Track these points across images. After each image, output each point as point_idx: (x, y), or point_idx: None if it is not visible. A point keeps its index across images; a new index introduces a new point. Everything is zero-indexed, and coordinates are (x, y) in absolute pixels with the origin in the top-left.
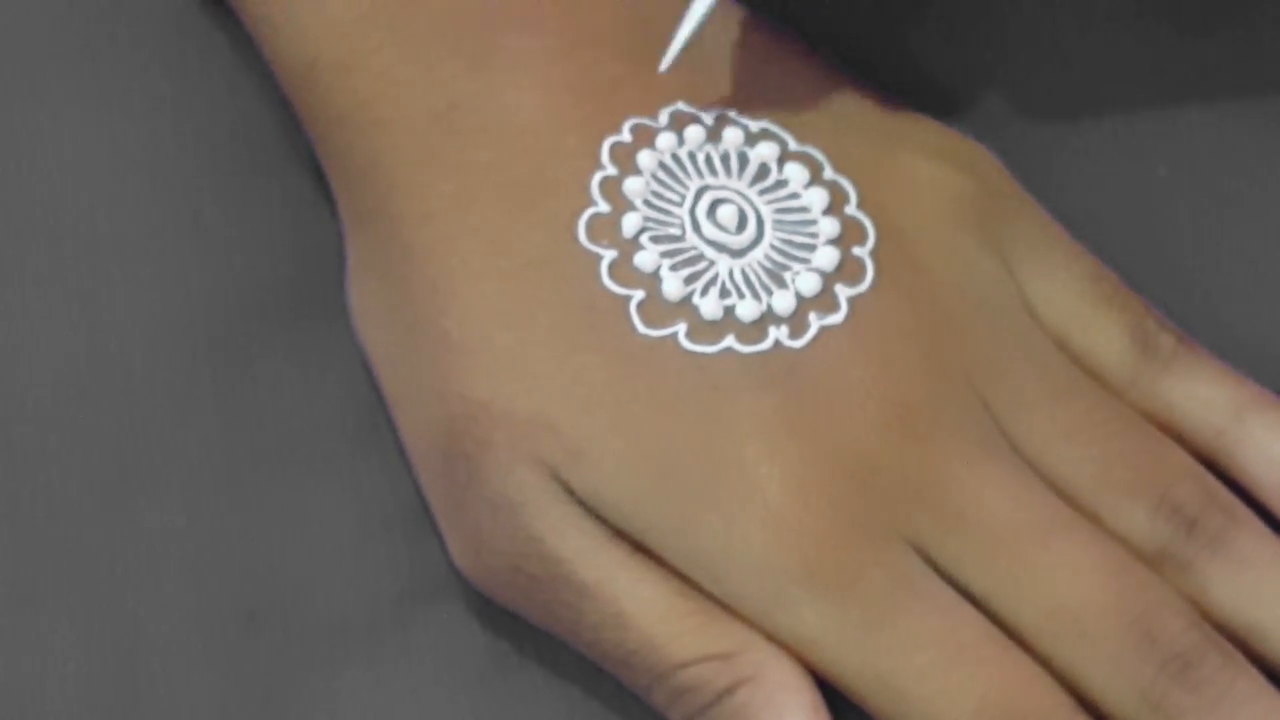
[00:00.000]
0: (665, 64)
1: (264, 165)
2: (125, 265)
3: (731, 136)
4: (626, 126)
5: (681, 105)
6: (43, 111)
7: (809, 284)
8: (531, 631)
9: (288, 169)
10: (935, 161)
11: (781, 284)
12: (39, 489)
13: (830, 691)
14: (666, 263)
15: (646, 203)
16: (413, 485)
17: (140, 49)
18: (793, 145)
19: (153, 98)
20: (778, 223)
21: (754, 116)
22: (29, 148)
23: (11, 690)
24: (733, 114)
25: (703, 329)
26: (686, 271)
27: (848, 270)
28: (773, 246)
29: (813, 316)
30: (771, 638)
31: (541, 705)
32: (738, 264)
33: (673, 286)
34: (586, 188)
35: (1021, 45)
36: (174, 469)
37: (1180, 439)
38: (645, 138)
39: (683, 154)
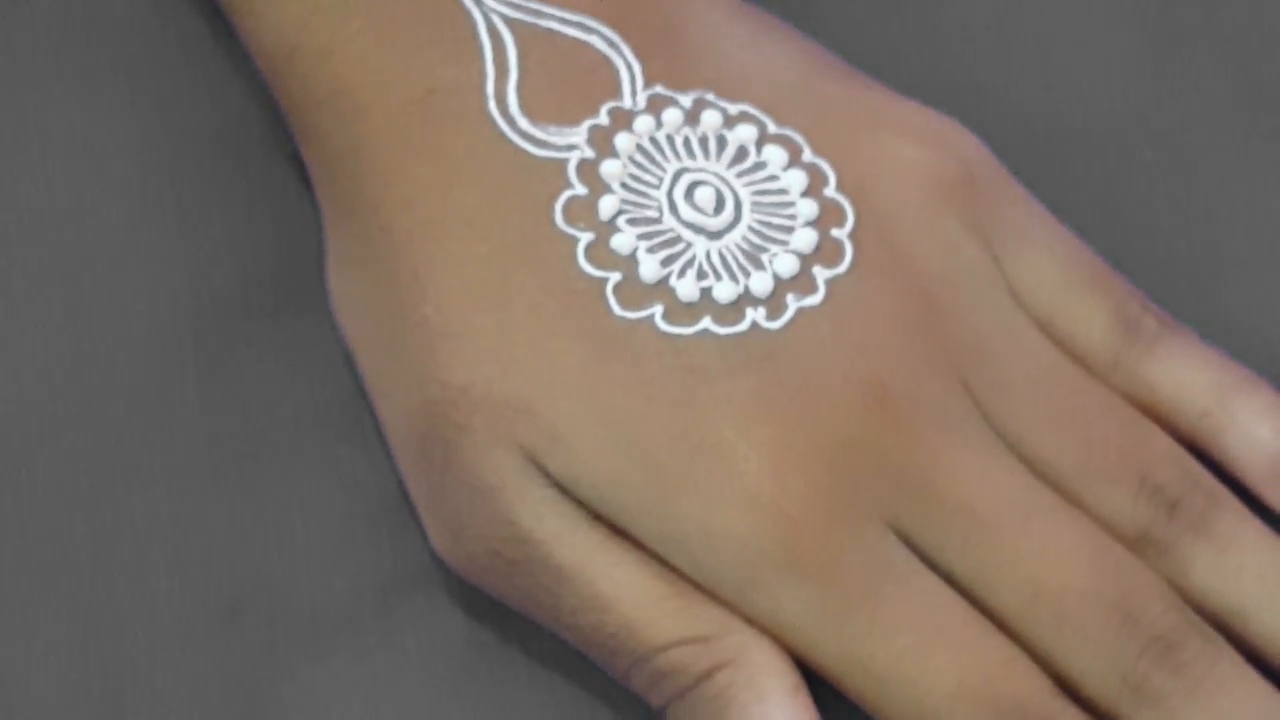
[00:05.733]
0: None
1: (245, 157)
2: (108, 259)
3: (710, 119)
4: (604, 109)
5: (659, 88)
6: (23, 106)
7: (787, 266)
8: (514, 619)
9: (269, 161)
10: (916, 143)
11: (759, 266)
12: (21, 482)
13: (810, 676)
14: (644, 245)
15: (624, 185)
16: (394, 475)
17: (120, 41)
18: (772, 128)
19: (133, 90)
20: (756, 205)
21: (733, 99)
22: (9, 142)
23: None
24: (711, 97)
25: (680, 311)
26: (664, 253)
27: (826, 252)
28: (750, 228)
29: (790, 298)
30: (750, 621)
31: (524, 693)
32: (715, 246)
33: (650, 268)
34: (564, 171)
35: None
36: (157, 462)
37: (1164, 422)
38: (623, 121)
39: (660, 137)
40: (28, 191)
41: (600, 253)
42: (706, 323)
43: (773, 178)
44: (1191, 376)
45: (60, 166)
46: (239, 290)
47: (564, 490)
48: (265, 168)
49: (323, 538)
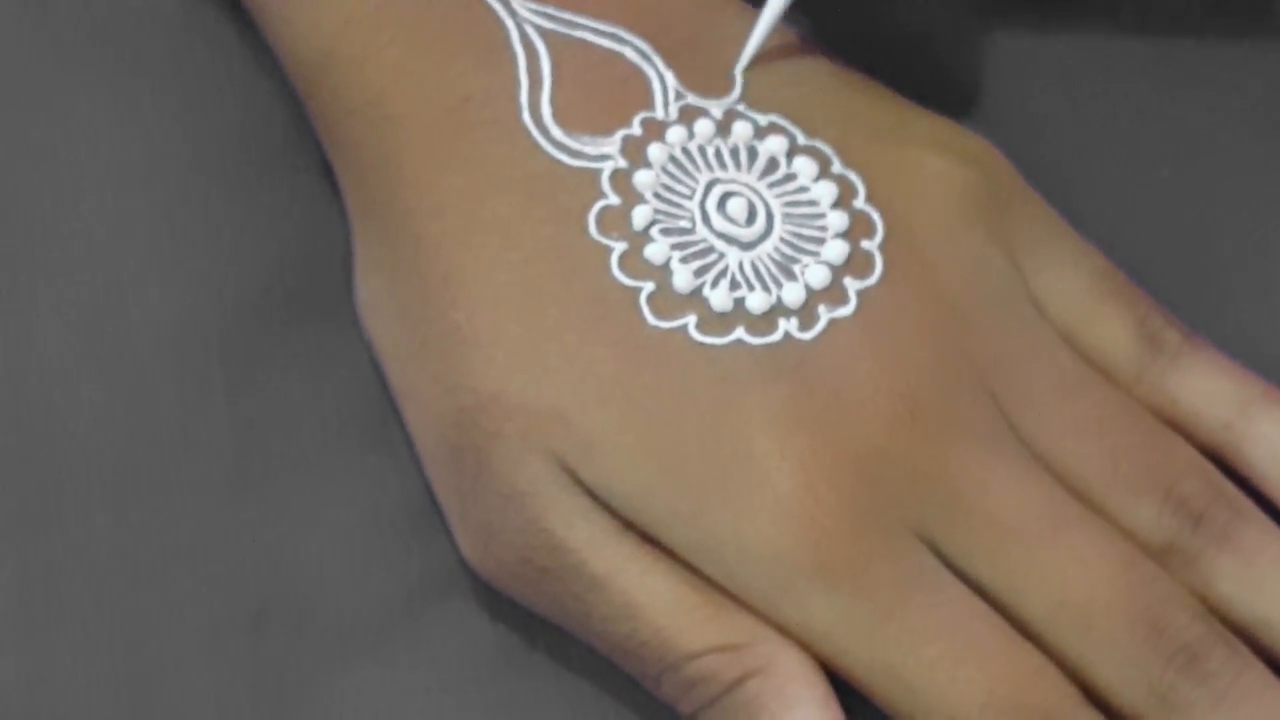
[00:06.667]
0: (740, 65)
1: (273, 163)
2: (134, 266)
3: (741, 130)
4: (637, 120)
5: (691, 99)
6: (51, 111)
7: (818, 276)
8: (542, 626)
9: (297, 167)
10: (943, 156)
11: (791, 276)
12: (49, 489)
13: (840, 684)
14: (677, 255)
15: (657, 195)
16: (422, 482)
17: (149, 46)
18: (801, 139)
19: (161, 95)
20: (787, 216)
21: (763, 111)
22: (38, 148)
23: (21, 689)
24: (742, 108)
25: (713, 321)
26: (697, 264)
27: (856, 263)
28: (782, 239)
29: (822, 309)
30: (780, 630)
31: (552, 700)
32: (747, 256)
33: (683, 278)
34: (597, 181)
35: (1027, 48)
36: (184, 469)
37: (1187, 434)
38: (655, 131)
39: (693, 147)
40: (53, 200)
41: (634, 262)
42: (739, 333)
43: (803, 189)
44: (1214, 389)
45: (86, 174)
46: (266, 297)
47: (596, 498)
48: (293, 175)
49: (350, 545)
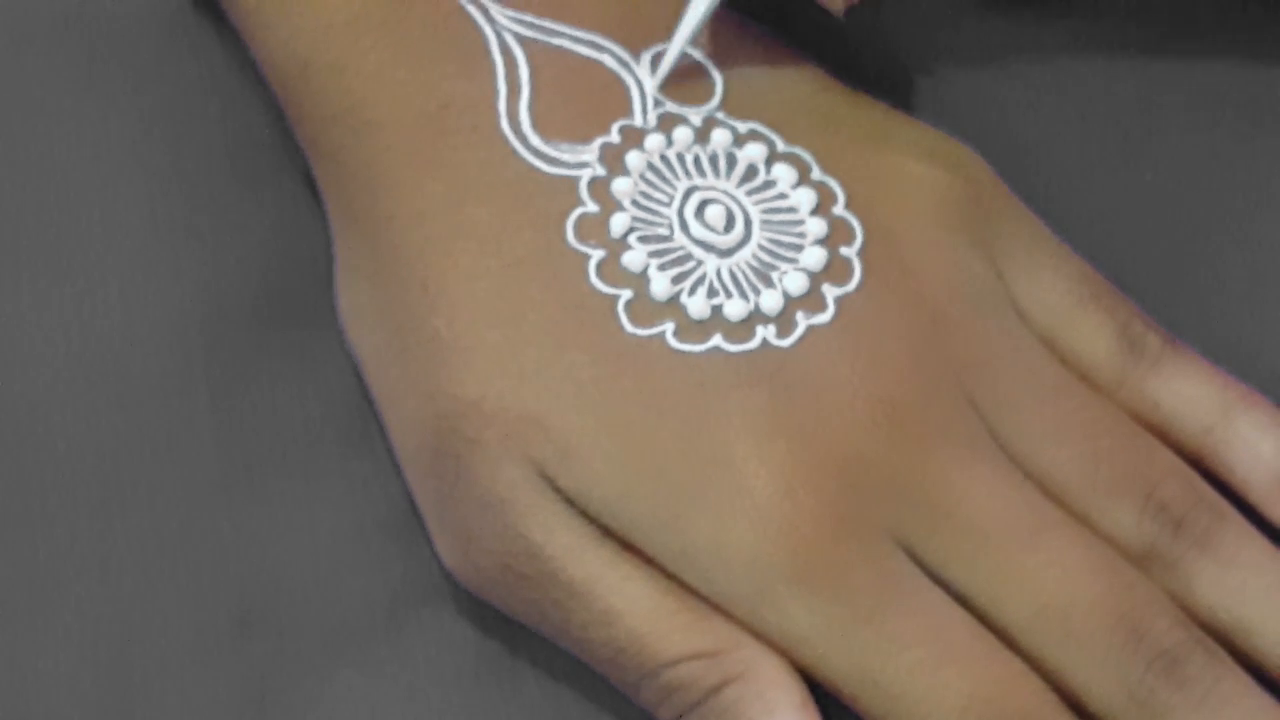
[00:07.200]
0: (658, 80)
1: (256, 169)
2: (119, 270)
3: (720, 137)
4: (615, 127)
5: (670, 106)
6: (35, 117)
7: (796, 283)
8: (524, 633)
9: (280, 173)
10: (923, 162)
11: (769, 283)
12: (32, 493)
13: (818, 691)
14: (654, 262)
15: (635, 203)
16: (404, 488)
17: (132, 53)
18: (781, 146)
19: (144, 102)
20: (765, 223)
21: (742, 118)
22: (21, 153)
23: (4, 694)
24: (721, 115)
25: (690, 328)
26: (674, 271)
27: (835, 270)
28: (760, 246)
29: (800, 316)
30: (759, 636)
31: (533, 706)
32: (725, 264)
33: (660, 286)
34: (575, 188)
35: (1008, 51)
36: (167, 474)
37: (1167, 438)
38: (634, 139)
39: (671, 155)
40: (39, 204)
41: (611, 270)
42: (717, 340)
43: (782, 196)
44: (1195, 393)
45: (72, 179)
46: (250, 302)
47: (575, 505)
48: (276, 181)
49: (333, 550)
